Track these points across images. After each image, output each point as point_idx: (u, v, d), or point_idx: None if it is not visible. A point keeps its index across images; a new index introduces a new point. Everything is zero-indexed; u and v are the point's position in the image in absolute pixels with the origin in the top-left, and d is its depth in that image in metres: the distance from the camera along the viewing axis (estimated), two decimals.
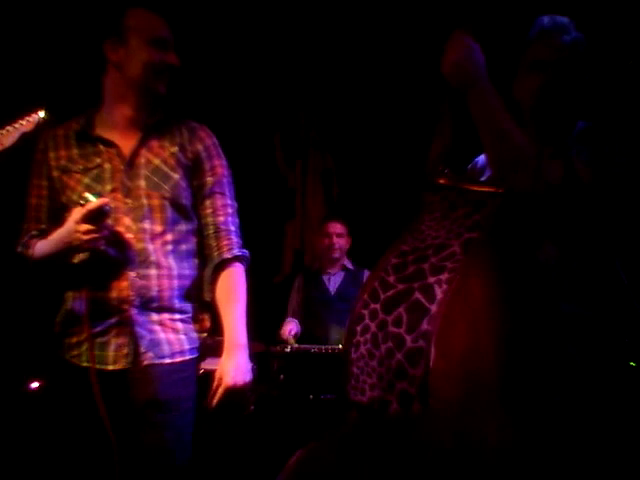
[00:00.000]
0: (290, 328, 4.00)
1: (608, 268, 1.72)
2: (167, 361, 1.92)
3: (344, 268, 4.27)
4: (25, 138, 1.90)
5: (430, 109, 1.75)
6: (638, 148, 1.70)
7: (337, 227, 4.25)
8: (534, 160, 1.60)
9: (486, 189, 1.62)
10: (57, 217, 1.96)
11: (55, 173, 1.98)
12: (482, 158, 1.96)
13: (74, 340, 1.94)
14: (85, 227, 1.82)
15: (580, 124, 1.78)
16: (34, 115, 1.90)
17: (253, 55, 4.49)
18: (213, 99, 4.37)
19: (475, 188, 1.64)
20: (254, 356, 3.77)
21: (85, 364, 1.91)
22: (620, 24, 3.27)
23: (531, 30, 1.82)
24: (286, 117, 5.06)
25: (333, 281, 4.24)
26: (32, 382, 3.38)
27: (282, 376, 3.83)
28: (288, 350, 3.83)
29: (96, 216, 1.82)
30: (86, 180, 1.95)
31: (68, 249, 1.87)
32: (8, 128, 1.88)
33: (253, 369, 3.73)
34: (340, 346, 3.76)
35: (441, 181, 1.66)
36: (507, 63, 1.87)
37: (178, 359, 1.94)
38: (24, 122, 1.90)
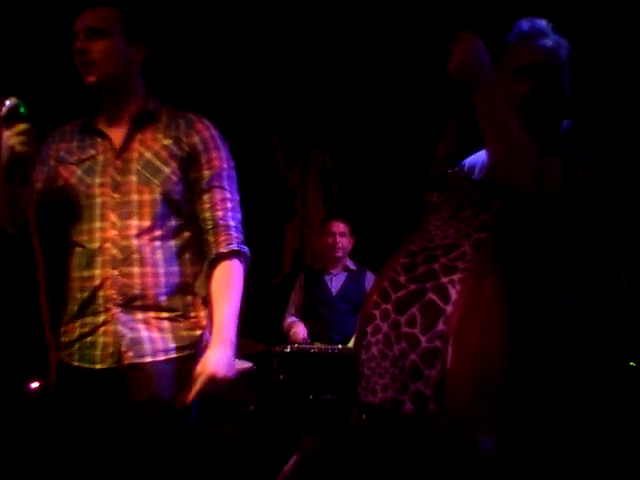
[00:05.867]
0: (302, 330, 4.01)
1: (608, 268, 1.73)
2: (148, 360, 1.88)
3: (346, 268, 4.26)
4: None
5: (429, 109, 1.75)
6: (629, 143, 1.72)
7: (340, 226, 4.24)
8: (536, 160, 1.61)
9: (492, 190, 1.62)
10: (52, 205, 1.96)
11: (52, 162, 1.99)
12: (470, 160, 1.98)
13: (65, 340, 1.94)
14: (12, 131, 1.78)
15: (565, 122, 1.80)
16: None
17: (253, 55, 4.49)
18: (213, 99, 4.37)
19: (480, 189, 1.64)
20: (254, 356, 3.80)
21: (76, 363, 1.91)
22: (620, 24, 3.28)
23: (509, 35, 1.84)
24: (286, 117, 5.06)
25: (335, 281, 4.24)
26: (32, 382, 3.37)
27: (282, 376, 3.82)
28: (288, 350, 3.82)
29: (13, 114, 1.78)
30: (79, 172, 1.96)
31: (9, 167, 1.82)
32: None
33: (253, 369, 3.73)
34: (340, 346, 3.77)
35: (446, 182, 1.67)
36: None
37: (161, 357, 1.90)
38: None
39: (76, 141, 2.00)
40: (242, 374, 3.62)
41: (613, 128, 1.75)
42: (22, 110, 1.79)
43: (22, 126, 1.79)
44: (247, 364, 3.71)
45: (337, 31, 4.30)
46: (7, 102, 1.78)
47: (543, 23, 1.82)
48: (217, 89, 4.52)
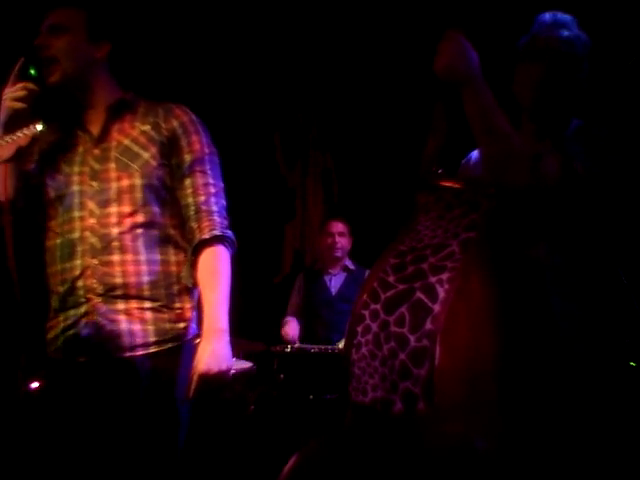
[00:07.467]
0: (292, 330, 4.02)
1: (607, 267, 1.72)
2: (127, 355, 1.86)
3: (346, 268, 4.26)
4: (20, 151, 1.90)
5: (429, 108, 1.75)
6: (633, 147, 1.71)
7: (339, 226, 4.24)
8: (529, 158, 1.61)
9: (480, 189, 1.62)
10: (36, 200, 1.98)
11: (38, 157, 2.00)
12: (476, 153, 1.97)
13: (51, 335, 1.94)
14: (13, 87, 1.86)
15: (574, 122, 1.80)
16: (32, 128, 1.91)
17: (253, 55, 4.49)
18: (213, 99, 4.37)
19: (469, 188, 1.64)
20: (254, 356, 3.81)
21: (62, 357, 1.90)
22: (620, 24, 3.27)
23: (532, 26, 1.84)
24: (286, 117, 5.07)
25: (334, 281, 4.24)
26: (32, 382, 3.37)
27: (282, 376, 3.83)
28: (288, 350, 3.83)
29: (22, 72, 1.88)
30: (60, 163, 1.97)
31: (6, 121, 1.87)
32: (7, 139, 1.88)
33: (253, 369, 3.73)
34: (340, 346, 3.77)
35: (436, 182, 1.66)
36: (500, 61, 1.88)
37: (140, 352, 1.87)
38: (21, 135, 1.90)
39: (62, 133, 2.02)
40: (242, 374, 3.62)
41: (620, 131, 1.75)
42: (31, 71, 1.89)
43: (23, 83, 1.87)
44: (247, 364, 3.71)
45: (336, 31, 4.30)
46: (21, 61, 1.89)
47: (567, 17, 1.82)
48: (218, 89, 4.53)
